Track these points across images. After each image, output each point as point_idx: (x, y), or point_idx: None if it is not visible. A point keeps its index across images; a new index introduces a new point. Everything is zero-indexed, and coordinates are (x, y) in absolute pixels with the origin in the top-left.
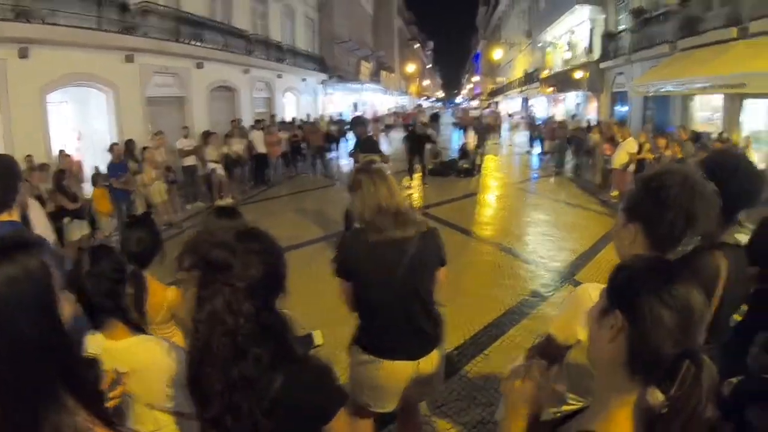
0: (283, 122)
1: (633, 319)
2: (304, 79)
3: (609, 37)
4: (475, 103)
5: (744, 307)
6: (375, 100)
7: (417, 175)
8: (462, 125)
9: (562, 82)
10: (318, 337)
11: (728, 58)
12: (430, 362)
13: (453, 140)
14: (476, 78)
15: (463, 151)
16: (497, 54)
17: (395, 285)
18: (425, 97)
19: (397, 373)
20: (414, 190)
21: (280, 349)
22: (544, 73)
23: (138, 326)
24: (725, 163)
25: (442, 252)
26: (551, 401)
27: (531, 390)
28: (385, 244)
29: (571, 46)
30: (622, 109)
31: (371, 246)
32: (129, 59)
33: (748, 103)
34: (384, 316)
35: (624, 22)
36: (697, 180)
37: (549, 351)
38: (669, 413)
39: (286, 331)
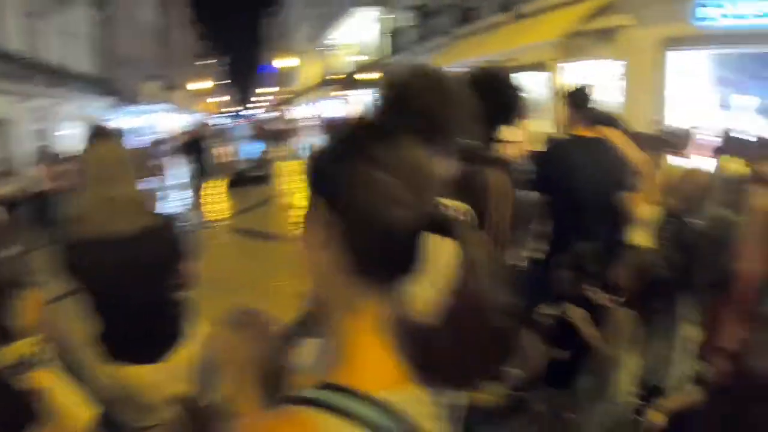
0: (56, 155)
1: (341, 198)
2: (86, 106)
3: (394, 34)
4: (269, 114)
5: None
6: (166, 120)
7: (211, 187)
8: (256, 136)
9: (353, 82)
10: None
11: (499, 38)
12: (177, 363)
13: (248, 151)
14: (270, 89)
15: (258, 161)
16: (287, 63)
17: (114, 286)
18: (220, 113)
19: (136, 378)
20: (209, 203)
21: None
22: (336, 76)
23: None
24: (485, 75)
25: (182, 244)
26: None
27: (248, 343)
28: (97, 241)
29: (359, 46)
30: None
31: (80, 243)
32: None
33: (524, 77)
34: (109, 317)
35: (408, 19)
36: (450, 84)
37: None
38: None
39: None
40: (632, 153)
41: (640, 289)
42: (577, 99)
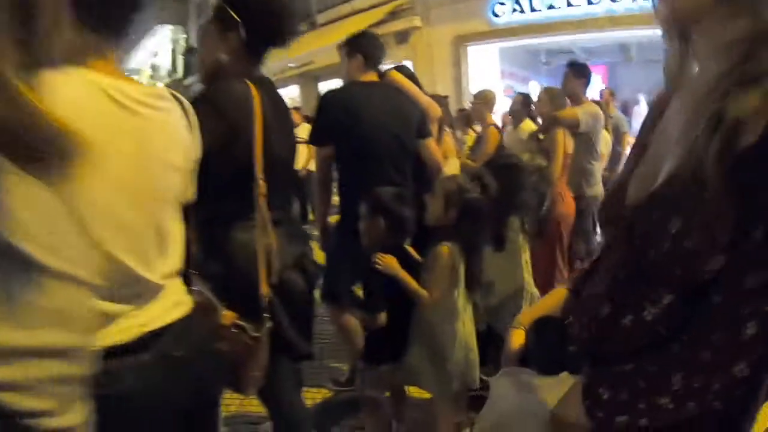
0: None
1: None
2: None
3: (190, 52)
4: None
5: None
6: None
7: None
8: None
9: None
10: None
11: (297, 45)
12: None
13: None
14: None
15: None
16: None
17: None
18: None
19: None
20: None
21: None
22: None
23: None
24: None
25: None
26: None
27: None
28: None
29: (154, 68)
30: None
31: None
32: None
33: (323, 86)
34: None
35: None
36: None
37: None
38: None
39: None
40: (421, 96)
41: (456, 217)
42: (355, 44)
